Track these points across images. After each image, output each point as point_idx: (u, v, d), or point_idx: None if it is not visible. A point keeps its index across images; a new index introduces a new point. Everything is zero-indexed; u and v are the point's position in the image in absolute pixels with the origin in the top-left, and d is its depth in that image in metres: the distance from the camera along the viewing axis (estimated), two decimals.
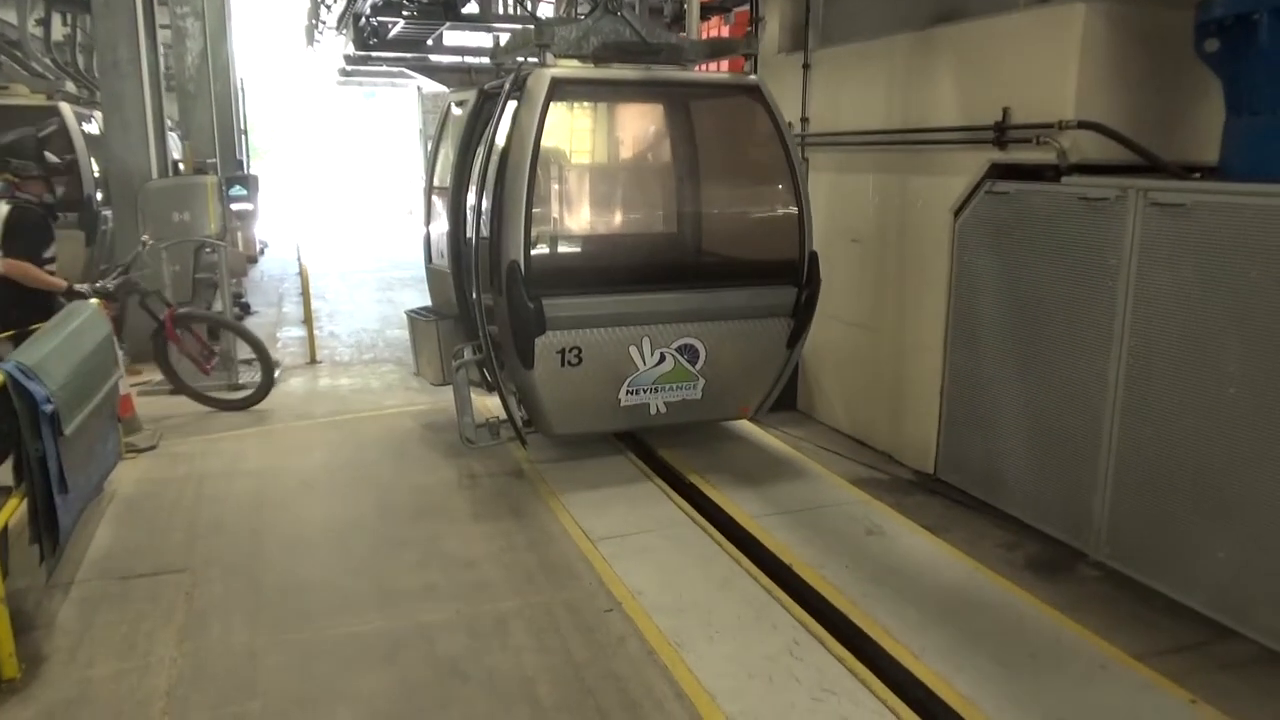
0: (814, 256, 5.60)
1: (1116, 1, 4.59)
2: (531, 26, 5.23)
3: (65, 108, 9.51)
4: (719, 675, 3.55)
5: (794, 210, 5.61)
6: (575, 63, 5.52)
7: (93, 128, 10.09)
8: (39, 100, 9.61)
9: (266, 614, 4.06)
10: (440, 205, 6.36)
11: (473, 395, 5.63)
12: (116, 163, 8.62)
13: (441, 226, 6.23)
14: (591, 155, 7.42)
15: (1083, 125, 4.57)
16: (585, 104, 6.97)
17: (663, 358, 5.38)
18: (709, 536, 4.75)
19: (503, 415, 5.58)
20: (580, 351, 5.17)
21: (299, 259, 9.40)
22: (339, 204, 32.44)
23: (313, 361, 8.94)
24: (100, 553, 4.65)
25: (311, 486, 5.60)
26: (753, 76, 5.67)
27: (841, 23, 6.69)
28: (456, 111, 6.36)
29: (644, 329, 5.29)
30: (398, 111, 33.18)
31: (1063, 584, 4.40)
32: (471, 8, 15.53)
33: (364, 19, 16.34)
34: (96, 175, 9.65)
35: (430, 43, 18.52)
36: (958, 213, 5.33)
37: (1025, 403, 4.96)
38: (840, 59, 6.57)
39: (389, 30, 17.38)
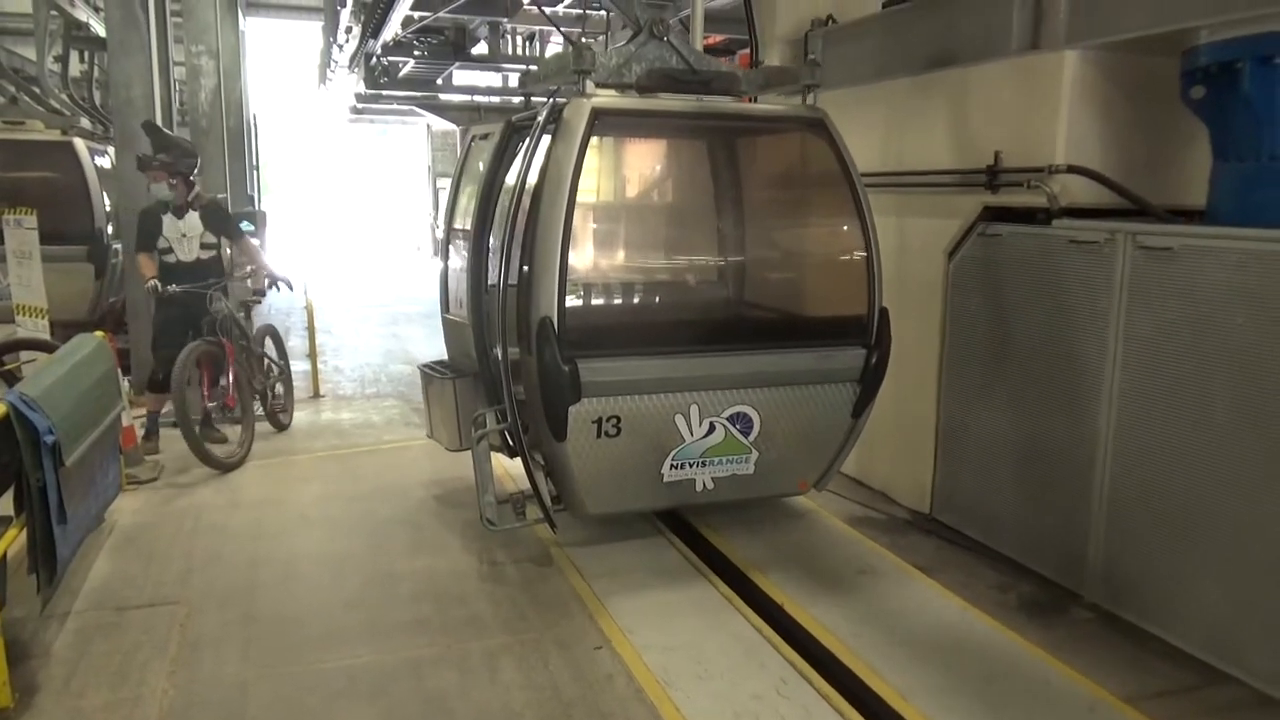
0: (884, 313, 4.99)
1: (1105, 49, 4.67)
2: (568, 49, 4.71)
3: (79, 143, 9.70)
4: (706, 713, 3.55)
5: (861, 261, 4.99)
6: (612, 93, 4.99)
7: (106, 162, 10.27)
8: (54, 135, 9.81)
9: (259, 646, 4.09)
10: (459, 249, 5.72)
11: (491, 457, 5.12)
12: (127, 197, 8.76)
13: (460, 272, 5.60)
14: (635, 197, 6.67)
15: (1072, 170, 4.64)
16: (630, 139, 6.24)
17: (712, 428, 4.76)
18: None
19: (525, 484, 5.03)
20: (619, 421, 4.56)
21: (305, 293, 9.51)
22: (348, 239, 32.74)
23: (316, 395, 9.01)
24: (98, 583, 4.69)
25: (308, 519, 5.63)
26: (818, 109, 5.10)
27: (839, 66, 6.79)
28: (480, 146, 5.78)
29: (692, 396, 4.67)
30: (407, 149, 33.66)
31: (1055, 625, 4.39)
32: (481, 48, 15.81)
33: (375, 58, 16.62)
34: (108, 209, 9.81)
35: (440, 81, 18.85)
36: (951, 254, 5.39)
37: (1018, 443, 4.98)
38: (838, 102, 6.64)
39: (400, 69, 17.69)
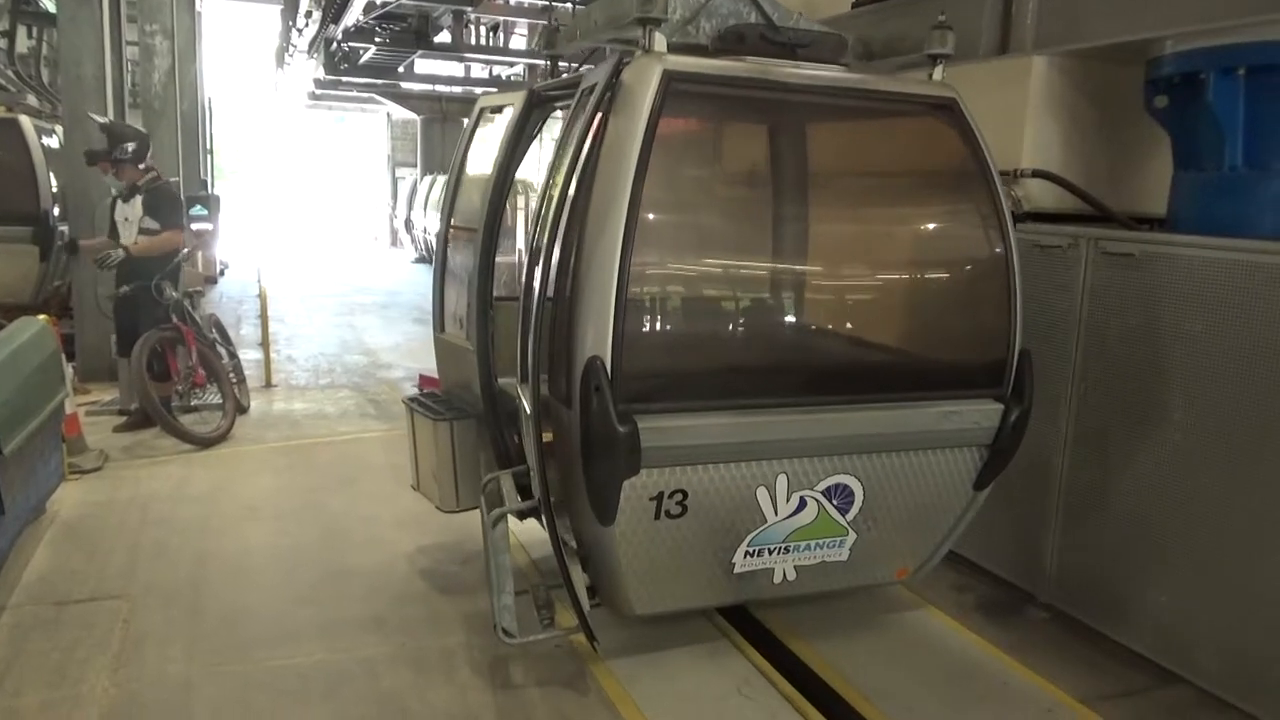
0: (1025, 356, 3.87)
1: (1071, 56, 4.71)
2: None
3: (24, 121, 9.40)
4: (667, 714, 3.52)
5: (999, 286, 3.88)
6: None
7: (53, 142, 9.96)
8: None
9: (205, 643, 3.96)
10: (461, 253, 4.60)
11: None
12: (75, 178, 8.50)
13: (461, 282, 4.51)
14: (711, 196, 4.73)
15: (1037, 174, 4.67)
16: (705, 116, 4.33)
17: (803, 504, 3.65)
18: None
19: (538, 551, 4.18)
20: (685, 497, 3.44)
21: (259, 281, 9.31)
22: (304, 227, 32.29)
23: (268, 385, 8.83)
24: (36, 576, 4.52)
25: (258, 512, 5.49)
26: (949, 87, 4.00)
27: None
28: (490, 123, 4.65)
29: (780, 464, 3.55)
30: (366, 137, 33.28)
31: (1012, 626, 4.42)
32: (444, 37, 15.65)
33: (335, 44, 16.39)
34: (54, 190, 9.53)
35: (401, 70, 18.65)
36: None
37: None
38: None
39: (360, 56, 17.48)
